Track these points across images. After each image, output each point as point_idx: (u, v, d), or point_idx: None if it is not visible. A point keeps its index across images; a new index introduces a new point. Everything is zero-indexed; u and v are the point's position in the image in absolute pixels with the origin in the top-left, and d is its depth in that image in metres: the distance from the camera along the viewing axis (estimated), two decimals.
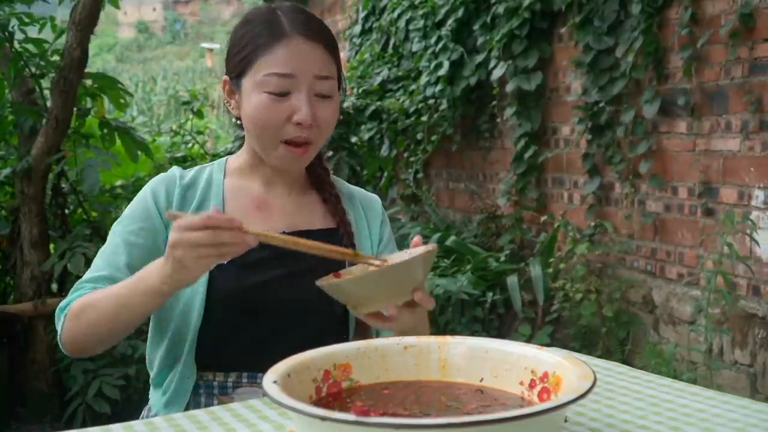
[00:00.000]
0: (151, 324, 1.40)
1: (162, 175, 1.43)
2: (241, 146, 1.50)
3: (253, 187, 1.44)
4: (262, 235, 1.13)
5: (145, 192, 1.40)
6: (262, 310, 1.35)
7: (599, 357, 1.90)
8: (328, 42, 1.36)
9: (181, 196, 1.40)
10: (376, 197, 1.56)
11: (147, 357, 1.43)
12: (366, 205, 1.52)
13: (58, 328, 1.31)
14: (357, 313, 1.19)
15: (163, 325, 1.37)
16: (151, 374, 1.41)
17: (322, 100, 1.34)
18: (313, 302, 1.33)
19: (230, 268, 1.32)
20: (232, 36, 1.40)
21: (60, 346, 1.33)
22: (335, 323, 1.41)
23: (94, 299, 1.27)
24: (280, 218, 1.42)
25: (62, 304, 1.32)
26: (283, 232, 1.34)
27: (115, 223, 1.40)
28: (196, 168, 1.46)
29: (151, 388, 1.42)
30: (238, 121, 1.41)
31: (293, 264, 1.36)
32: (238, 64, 1.36)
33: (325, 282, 1.16)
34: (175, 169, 1.43)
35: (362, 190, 1.57)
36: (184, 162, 5.13)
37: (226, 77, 1.40)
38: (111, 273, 1.33)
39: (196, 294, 1.33)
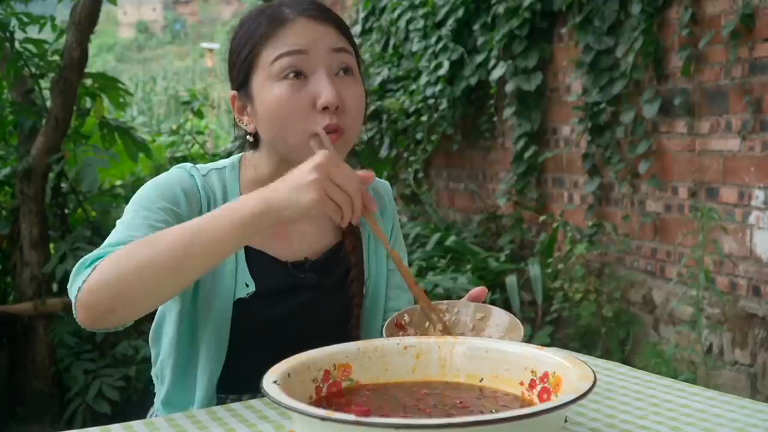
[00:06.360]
0: (168, 359, 1.30)
1: (184, 178, 1.26)
2: (241, 146, 1.41)
3: None
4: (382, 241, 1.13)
5: (171, 181, 1.24)
6: (287, 338, 1.25)
7: (599, 357, 1.89)
8: (339, 22, 1.24)
9: (205, 204, 1.26)
10: (386, 186, 1.46)
11: (160, 378, 1.32)
12: (380, 203, 1.41)
13: (77, 284, 1.06)
14: None
15: (182, 361, 1.28)
16: (162, 391, 1.32)
17: (344, 78, 1.21)
18: (332, 328, 1.31)
19: (253, 300, 1.25)
20: (230, 43, 1.26)
21: (74, 314, 1.09)
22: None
23: (149, 238, 1.06)
24: (300, 244, 1.32)
25: (87, 258, 1.09)
26: (306, 258, 1.31)
27: (130, 203, 1.22)
28: (209, 170, 1.30)
29: (160, 403, 1.34)
30: (251, 137, 1.28)
31: (313, 291, 1.30)
32: (241, 68, 1.22)
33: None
34: (194, 173, 1.28)
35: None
36: (184, 162, 5.12)
37: (233, 93, 1.27)
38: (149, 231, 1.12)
39: (221, 326, 1.25)
